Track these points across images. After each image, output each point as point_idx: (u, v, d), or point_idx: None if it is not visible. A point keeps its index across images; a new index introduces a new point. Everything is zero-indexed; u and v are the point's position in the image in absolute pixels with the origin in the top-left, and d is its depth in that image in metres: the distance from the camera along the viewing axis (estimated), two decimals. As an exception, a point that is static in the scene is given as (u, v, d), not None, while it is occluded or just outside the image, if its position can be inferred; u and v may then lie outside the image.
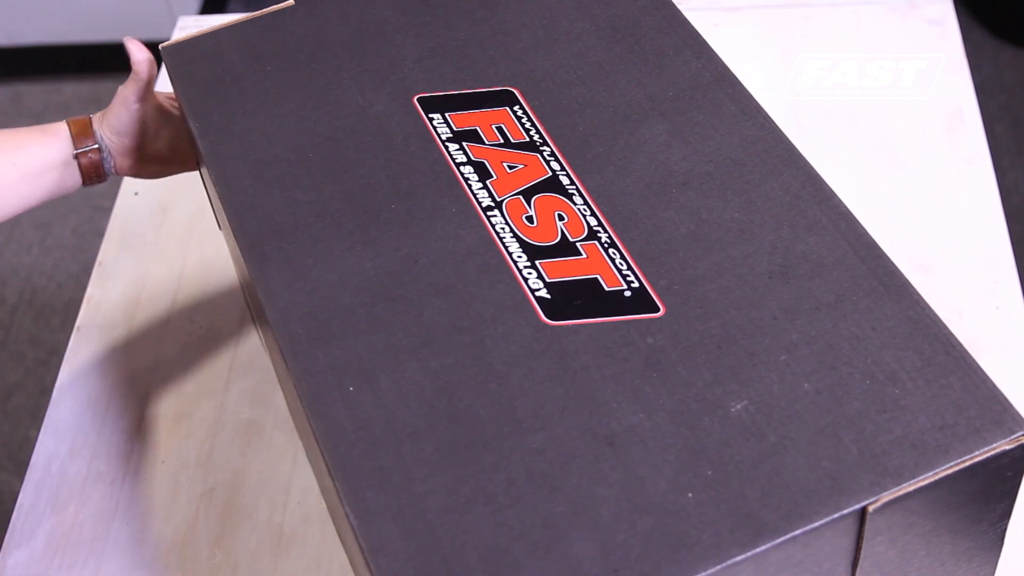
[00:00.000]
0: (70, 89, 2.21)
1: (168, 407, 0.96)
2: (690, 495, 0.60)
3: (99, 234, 1.45)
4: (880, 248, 0.69)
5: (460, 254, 0.71)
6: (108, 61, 2.15)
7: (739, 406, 0.63)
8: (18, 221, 1.98)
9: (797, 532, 0.58)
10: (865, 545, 0.61)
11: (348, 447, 0.63)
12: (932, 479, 0.60)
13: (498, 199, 0.74)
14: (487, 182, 0.75)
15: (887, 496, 0.59)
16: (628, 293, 0.69)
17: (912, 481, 0.59)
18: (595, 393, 0.64)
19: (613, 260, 0.70)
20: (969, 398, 0.62)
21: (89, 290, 1.05)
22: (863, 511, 0.59)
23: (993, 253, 1.03)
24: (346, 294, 0.70)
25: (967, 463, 0.60)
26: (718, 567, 0.58)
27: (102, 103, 2.26)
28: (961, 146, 1.11)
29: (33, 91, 2.19)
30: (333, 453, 0.63)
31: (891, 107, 1.12)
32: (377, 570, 0.59)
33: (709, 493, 0.60)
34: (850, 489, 0.59)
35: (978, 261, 1.02)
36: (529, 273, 0.70)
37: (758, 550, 0.58)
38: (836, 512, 0.59)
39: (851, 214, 0.71)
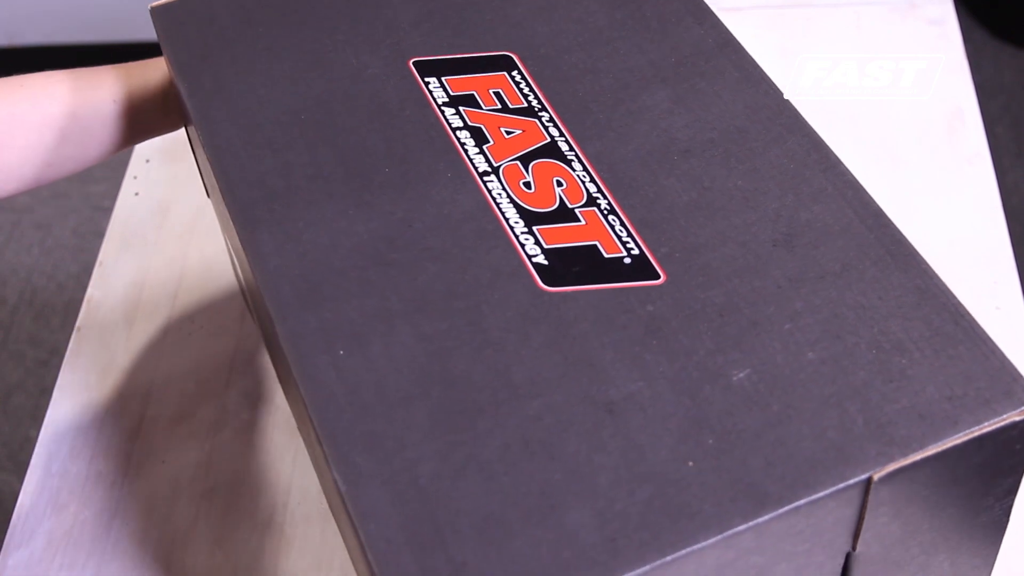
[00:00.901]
0: None
1: (168, 407, 0.95)
2: (691, 464, 0.58)
3: (99, 234, 1.44)
4: (887, 217, 0.68)
5: (455, 219, 0.70)
6: (108, 61, 2.11)
7: (741, 375, 0.61)
8: (19, 221, 1.97)
9: (800, 502, 0.57)
10: (868, 516, 0.59)
11: (337, 411, 0.61)
12: (939, 450, 0.58)
13: (495, 164, 0.72)
14: (484, 147, 0.73)
15: (893, 466, 0.57)
16: (628, 260, 0.67)
17: (919, 451, 0.58)
18: (594, 360, 0.62)
19: (613, 227, 0.68)
20: (978, 368, 0.61)
21: (89, 290, 1.04)
22: (868, 481, 0.57)
23: (993, 253, 1.03)
24: (338, 257, 0.68)
25: (975, 434, 0.58)
26: (719, 536, 0.56)
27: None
28: (961, 146, 1.10)
29: None
30: (322, 417, 0.61)
31: (891, 107, 1.11)
32: (366, 536, 0.57)
33: (710, 462, 0.58)
34: (855, 459, 0.58)
35: (978, 261, 1.01)
36: (526, 239, 0.68)
37: (760, 520, 0.56)
38: (840, 482, 0.57)
39: (857, 182, 0.69)
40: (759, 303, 0.64)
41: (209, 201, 1.05)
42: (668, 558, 0.55)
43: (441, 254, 0.68)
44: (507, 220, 0.69)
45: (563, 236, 0.68)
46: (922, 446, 0.58)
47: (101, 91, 0.84)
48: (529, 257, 0.67)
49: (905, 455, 0.58)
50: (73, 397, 0.96)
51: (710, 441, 0.59)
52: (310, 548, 0.86)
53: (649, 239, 0.68)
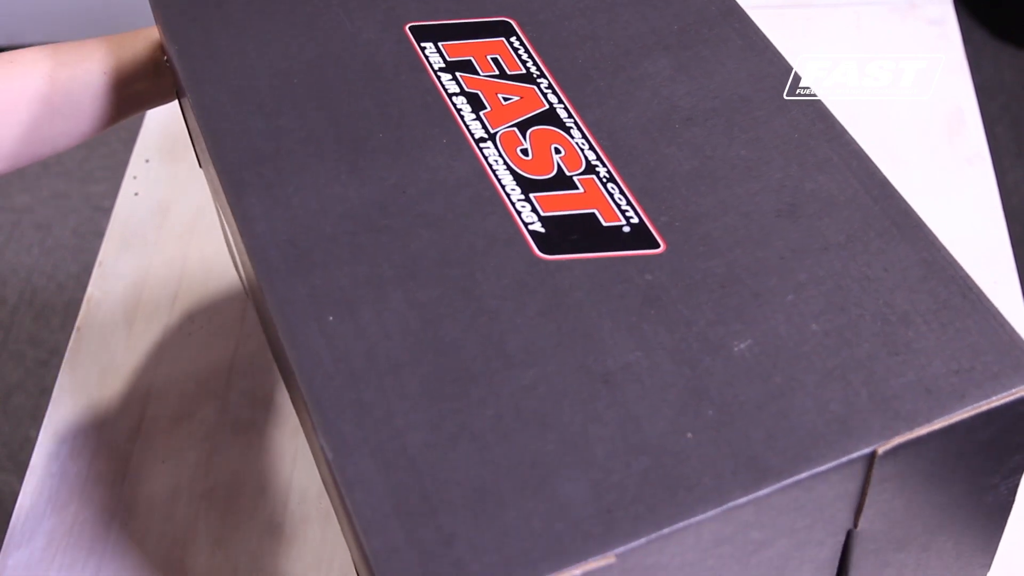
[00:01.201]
0: None
1: (168, 407, 0.94)
2: (690, 435, 0.56)
3: (99, 234, 1.44)
4: (893, 187, 0.66)
5: (450, 186, 0.68)
6: None
7: (743, 346, 0.59)
8: (19, 221, 1.97)
9: (802, 476, 0.55)
10: (871, 492, 0.57)
11: (326, 379, 0.59)
12: (945, 424, 0.56)
13: (492, 131, 0.70)
14: (480, 113, 0.71)
15: (897, 440, 0.56)
16: (627, 229, 0.65)
17: (924, 426, 0.56)
18: (590, 330, 0.61)
19: (612, 195, 0.67)
20: (986, 342, 0.59)
21: (89, 290, 1.04)
22: (871, 456, 0.56)
23: (993, 253, 1.02)
24: (328, 223, 0.66)
25: (983, 408, 0.57)
26: (718, 510, 0.54)
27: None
28: (961, 146, 1.10)
29: None
30: (309, 384, 0.59)
31: (891, 107, 1.10)
32: (353, 506, 0.55)
33: (710, 434, 0.56)
34: (859, 433, 0.56)
35: (978, 261, 1.00)
36: (523, 206, 0.66)
37: (761, 493, 0.54)
38: (844, 456, 0.55)
39: (863, 152, 0.67)
40: (761, 274, 0.62)
41: (209, 202, 1.05)
42: (665, 531, 0.53)
43: (435, 221, 0.66)
44: (503, 187, 0.67)
45: (561, 204, 0.67)
46: (928, 420, 0.56)
47: (90, 63, 0.82)
48: (526, 225, 0.65)
49: (910, 429, 0.56)
50: (73, 397, 0.95)
51: (710, 412, 0.57)
52: (310, 548, 0.86)
53: (649, 208, 0.66)
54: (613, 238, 0.65)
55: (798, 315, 0.60)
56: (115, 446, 0.92)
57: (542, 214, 0.66)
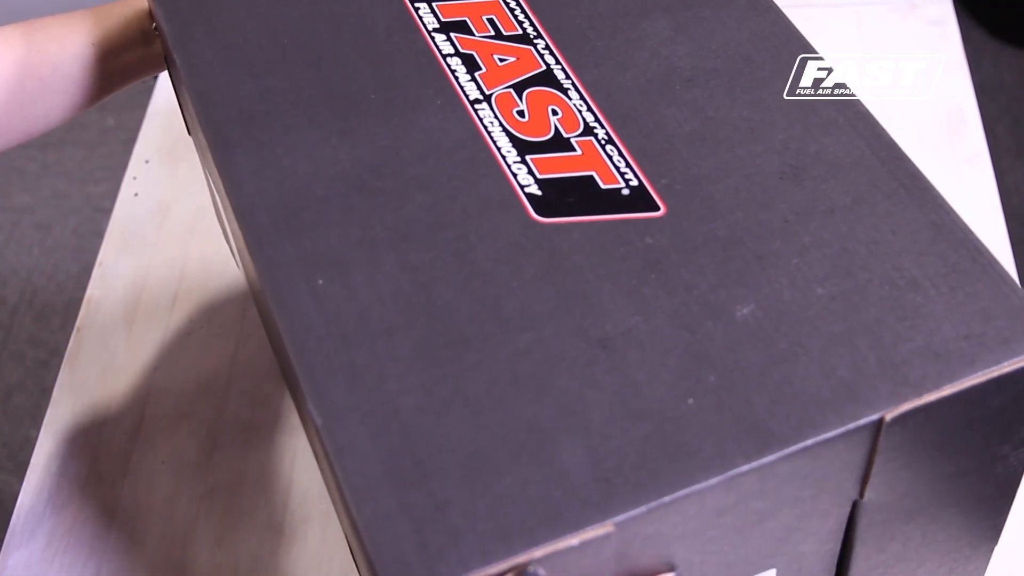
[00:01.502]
0: None
1: (168, 407, 0.94)
2: (691, 401, 0.54)
3: (99, 235, 1.44)
4: (900, 149, 0.64)
5: (444, 147, 0.66)
6: None
7: (745, 310, 0.58)
8: (19, 221, 1.96)
9: (807, 443, 0.53)
10: (878, 461, 0.55)
11: (315, 342, 0.57)
12: (955, 390, 0.54)
13: (487, 92, 0.68)
14: (475, 74, 0.69)
15: (906, 406, 0.54)
16: (626, 191, 0.63)
17: (934, 391, 0.54)
18: (588, 294, 0.59)
19: (610, 157, 0.65)
20: (997, 307, 0.57)
21: (89, 290, 1.03)
22: (879, 422, 0.54)
23: (993, 253, 1.00)
24: (319, 184, 0.64)
25: (994, 374, 0.55)
26: (720, 477, 0.52)
27: (102, 103, 2.20)
28: (961, 146, 1.08)
29: None
30: (298, 348, 0.57)
31: (891, 107, 1.08)
32: (342, 472, 0.53)
33: (712, 400, 0.54)
34: (866, 399, 0.54)
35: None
36: (519, 168, 0.64)
37: (764, 461, 0.53)
38: (850, 422, 0.53)
39: (869, 113, 0.65)
40: (765, 237, 0.60)
41: (209, 202, 1.04)
42: (666, 499, 0.52)
43: (429, 183, 0.64)
44: (499, 149, 0.65)
45: (558, 166, 0.65)
46: (937, 386, 0.54)
47: (77, 35, 0.80)
48: (521, 187, 0.64)
49: (919, 395, 0.54)
50: (73, 397, 0.95)
51: (711, 378, 0.55)
52: (310, 548, 0.85)
53: (648, 170, 0.64)
54: (612, 201, 0.63)
55: (802, 279, 0.59)
56: (115, 446, 0.91)
57: (538, 176, 0.64)
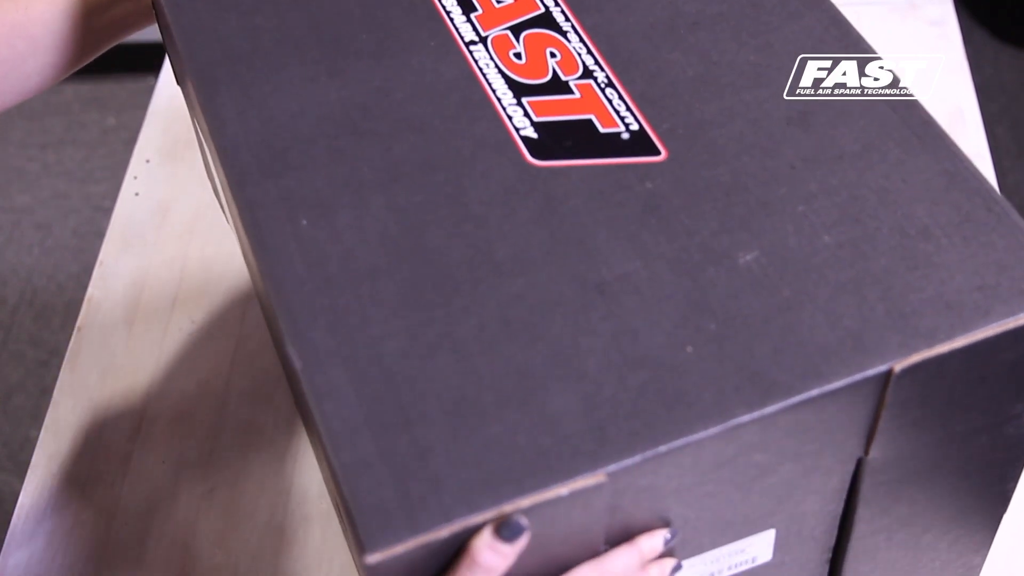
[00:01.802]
0: (70, 89, 2.16)
1: (168, 407, 0.93)
2: (689, 349, 0.52)
3: (99, 234, 1.44)
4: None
5: (437, 89, 0.63)
6: (108, 61, 2.11)
7: (749, 257, 0.55)
8: (19, 221, 1.96)
9: (812, 393, 0.50)
10: (885, 415, 0.53)
11: (297, 284, 0.55)
12: (968, 342, 0.52)
13: (483, 34, 0.66)
14: (471, 16, 0.67)
15: (916, 357, 0.51)
16: (626, 136, 0.60)
17: (946, 342, 0.51)
18: (585, 238, 0.56)
19: (610, 101, 0.62)
20: (1013, 258, 0.54)
21: (90, 290, 1.03)
22: (887, 374, 0.51)
23: None
24: (306, 125, 0.62)
25: (1009, 327, 0.52)
26: (719, 428, 0.50)
27: (103, 103, 2.24)
28: (961, 146, 1.05)
29: None
30: (279, 290, 0.55)
31: None
32: (321, 416, 0.50)
33: (712, 348, 0.52)
34: (874, 349, 0.51)
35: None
36: (514, 111, 0.62)
37: (765, 411, 0.50)
38: (858, 372, 0.51)
39: (880, 59, 0.63)
40: (770, 183, 0.58)
41: (209, 202, 1.03)
42: (662, 449, 0.49)
43: (421, 125, 0.61)
44: (494, 91, 0.63)
45: (555, 109, 0.62)
46: (949, 337, 0.52)
47: None
48: (517, 130, 0.61)
49: (930, 346, 0.51)
50: (73, 397, 0.95)
51: (712, 326, 0.53)
52: (310, 548, 0.84)
53: (650, 114, 0.61)
54: (611, 145, 0.60)
55: (809, 226, 0.56)
56: (115, 446, 0.91)
57: (535, 119, 0.61)
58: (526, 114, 0.61)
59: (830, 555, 0.62)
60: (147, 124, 1.15)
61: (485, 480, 0.48)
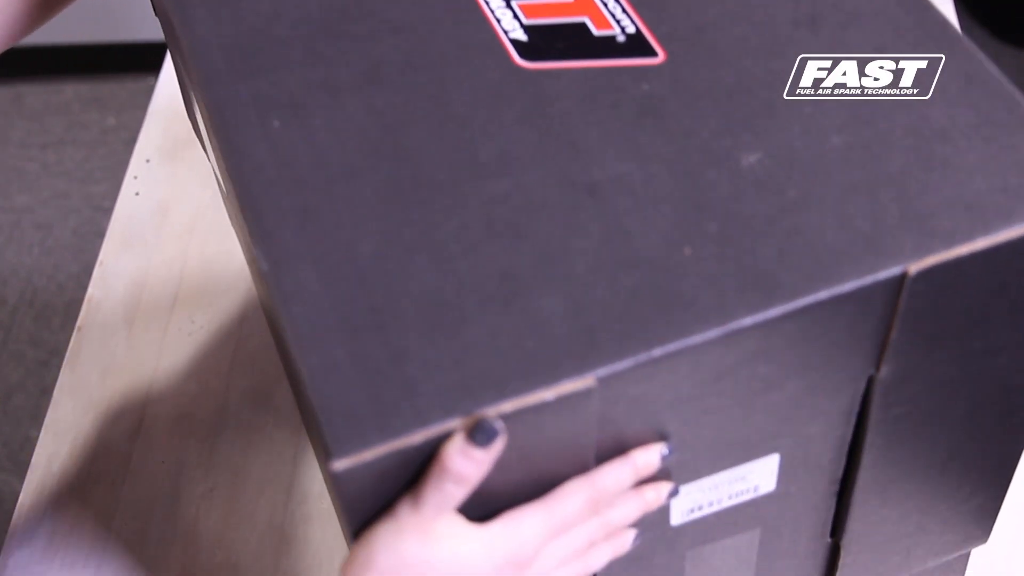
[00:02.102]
0: (70, 89, 2.15)
1: (168, 407, 0.93)
2: (688, 251, 0.48)
3: (100, 234, 1.43)
4: (929, 1, 0.57)
5: (421, -7, 0.59)
6: (108, 61, 2.12)
7: (752, 159, 0.51)
8: (19, 221, 1.95)
9: (819, 296, 0.46)
10: (897, 325, 0.49)
11: (266, 184, 0.51)
12: (988, 244, 0.48)
13: (471, -62, 0.62)
14: (460, -80, 0.63)
15: (933, 260, 0.47)
16: (621, 38, 0.56)
17: (964, 244, 0.48)
18: (576, 139, 0.52)
19: (605, 4, 0.58)
20: (1037, 159, 0.50)
21: (90, 290, 1.02)
22: (901, 277, 0.47)
23: None
24: (280, 26, 0.58)
25: (1034, 229, 0.48)
26: (718, 331, 0.46)
27: (103, 103, 2.23)
28: None
29: (33, 91, 2.15)
30: (247, 190, 0.51)
31: None
32: (288, 318, 0.47)
33: (711, 249, 0.48)
34: (887, 250, 0.48)
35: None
36: (503, 14, 0.58)
37: (770, 314, 0.46)
38: (869, 275, 0.47)
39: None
40: (775, 85, 0.54)
41: (209, 202, 1.03)
42: (656, 353, 0.45)
43: (403, 27, 0.58)
44: (482, -6, 0.59)
45: (546, 11, 0.58)
46: (969, 238, 0.48)
47: None
48: (506, 32, 0.57)
49: (947, 247, 0.48)
50: (73, 397, 0.94)
51: (712, 227, 0.49)
52: (310, 548, 0.83)
53: (647, 16, 0.57)
54: (605, 47, 0.56)
55: (817, 128, 0.52)
56: (115, 446, 0.90)
57: (524, 22, 0.58)
58: (515, 16, 0.58)
59: (838, 487, 0.58)
60: (147, 124, 1.15)
61: (464, 384, 0.44)
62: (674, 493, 0.52)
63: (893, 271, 0.47)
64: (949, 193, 0.49)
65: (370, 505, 0.45)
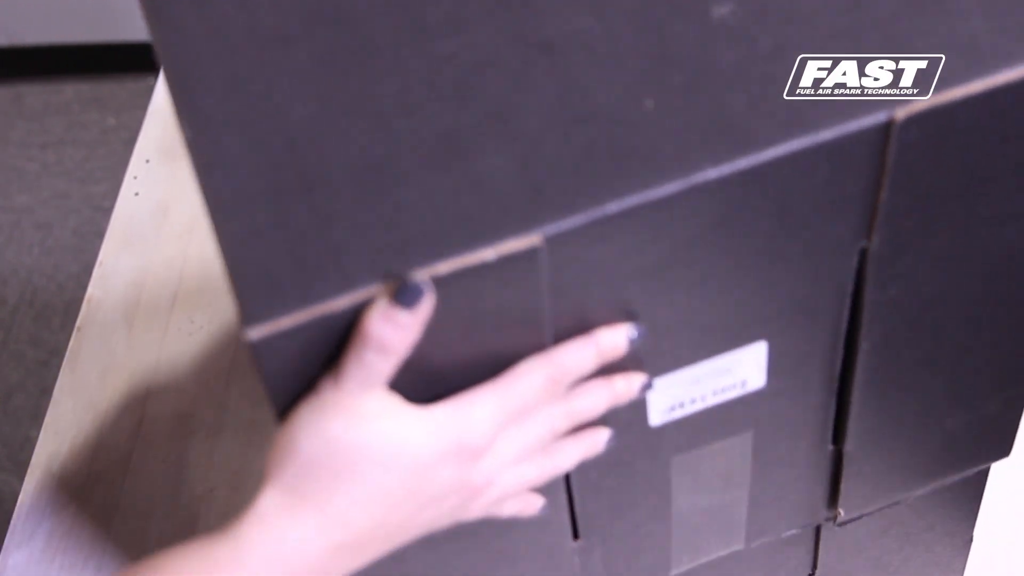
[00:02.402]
0: (70, 89, 2.14)
1: (168, 407, 0.93)
2: (650, 103, 0.43)
3: (99, 234, 1.43)
4: None
5: None
6: (108, 61, 2.10)
7: (724, 10, 0.46)
8: (19, 221, 1.96)
9: (795, 145, 0.42)
10: (888, 184, 0.44)
11: (193, 52, 0.47)
12: (985, 88, 0.43)
13: None
14: None
15: (924, 104, 0.42)
16: (586, -101, 0.52)
17: (959, 87, 0.43)
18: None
19: None
20: (1040, -1, 0.45)
21: (90, 290, 1.02)
22: (887, 125, 0.42)
23: None
24: None
25: (1036, 70, 0.43)
26: (682, 184, 0.41)
27: (103, 103, 2.22)
28: None
29: (33, 91, 2.14)
30: (172, 59, 0.47)
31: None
32: (209, 187, 0.43)
33: (676, 101, 0.43)
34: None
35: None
36: None
37: (739, 165, 0.41)
38: (852, 121, 0.42)
39: None
40: None
41: None
42: (610, 208, 0.41)
43: None
44: None
45: None
46: (964, 81, 0.43)
47: None
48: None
49: (939, 91, 0.43)
50: (73, 397, 0.94)
51: (677, 78, 0.44)
52: None
53: None
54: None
55: None
56: (115, 446, 0.90)
57: None
58: None
59: (836, 386, 0.53)
60: (147, 124, 1.15)
61: (395, 245, 0.40)
62: (648, 386, 0.47)
63: (878, 117, 0.42)
64: (942, 35, 0.44)
65: (295, 383, 0.41)
